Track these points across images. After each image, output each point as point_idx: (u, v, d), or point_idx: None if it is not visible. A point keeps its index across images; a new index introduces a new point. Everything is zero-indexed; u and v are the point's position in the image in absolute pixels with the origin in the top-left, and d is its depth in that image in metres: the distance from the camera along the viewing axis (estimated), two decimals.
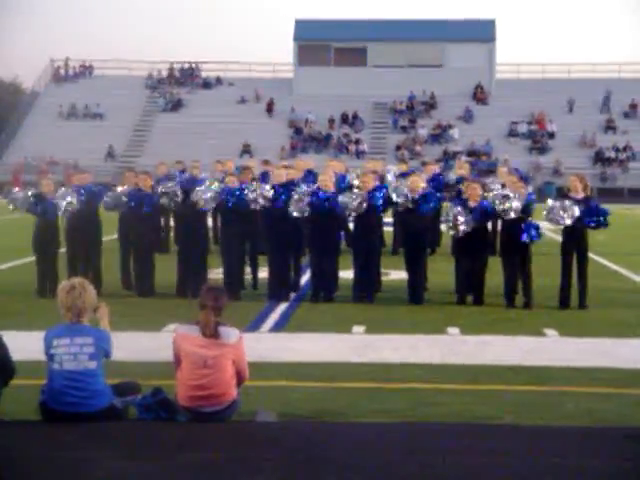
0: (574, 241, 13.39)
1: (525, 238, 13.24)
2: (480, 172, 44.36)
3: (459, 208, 13.43)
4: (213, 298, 7.12)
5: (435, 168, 19.42)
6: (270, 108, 58.44)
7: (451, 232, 13.54)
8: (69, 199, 14.05)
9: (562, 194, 14.15)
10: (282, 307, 13.51)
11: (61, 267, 14.52)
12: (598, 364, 9.97)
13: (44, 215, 14.10)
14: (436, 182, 17.51)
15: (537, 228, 13.30)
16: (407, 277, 14.05)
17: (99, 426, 6.90)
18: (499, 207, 13.33)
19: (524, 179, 15.99)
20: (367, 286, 13.98)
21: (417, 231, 13.82)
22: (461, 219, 13.31)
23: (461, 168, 18.80)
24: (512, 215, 13.26)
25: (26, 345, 9.17)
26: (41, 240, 14.33)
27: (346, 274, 14.74)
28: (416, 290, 13.84)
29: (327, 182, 14.06)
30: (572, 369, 9.74)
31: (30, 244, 14.50)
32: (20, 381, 7.55)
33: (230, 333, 7.18)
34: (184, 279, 14.17)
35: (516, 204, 13.26)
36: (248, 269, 15.10)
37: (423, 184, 14.45)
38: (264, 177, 16.50)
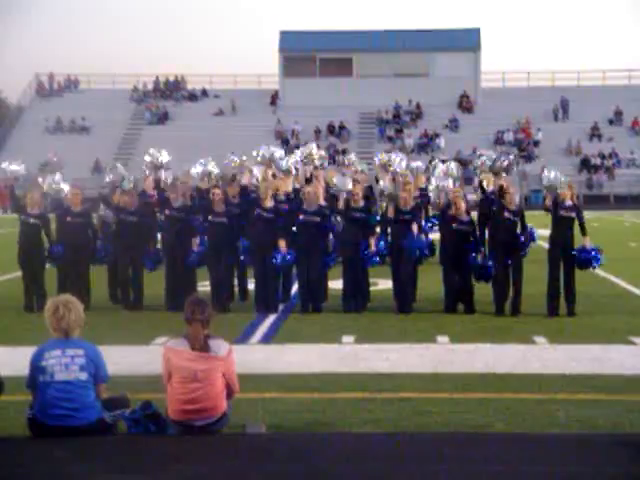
0: (561, 248, 13.41)
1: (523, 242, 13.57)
2: (467, 180, 44.36)
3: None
4: (200, 311, 7.08)
5: (423, 179, 19.37)
6: (274, 101, 58.58)
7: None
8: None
9: (554, 200, 14.15)
10: (271, 318, 13.48)
11: (52, 279, 14.46)
12: (588, 371, 9.97)
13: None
14: (422, 198, 17.37)
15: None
16: (394, 287, 14.02)
17: (89, 440, 6.85)
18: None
19: None
20: (356, 296, 13.95)
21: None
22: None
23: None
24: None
25: (13, 360, 9.13)
26: (26, 255, 14.27)
27: (335, 284, 14.72)
28: (405, 300, 13.82)
29: (314, 194, 14.05)
30: (562, 376, 9.73)
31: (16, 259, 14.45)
32: (7, 397, 7.50)
33: (220, 346, 7.14)
34: (173, 292, 14.10)
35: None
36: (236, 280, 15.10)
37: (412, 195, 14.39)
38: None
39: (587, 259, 13.53)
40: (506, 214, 13.53)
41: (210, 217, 14.05)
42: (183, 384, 7.03)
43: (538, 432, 7.51)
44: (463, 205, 13.88)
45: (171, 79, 63.19)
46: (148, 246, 14.49)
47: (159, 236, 14.96)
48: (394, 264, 13.97)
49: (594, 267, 13.75)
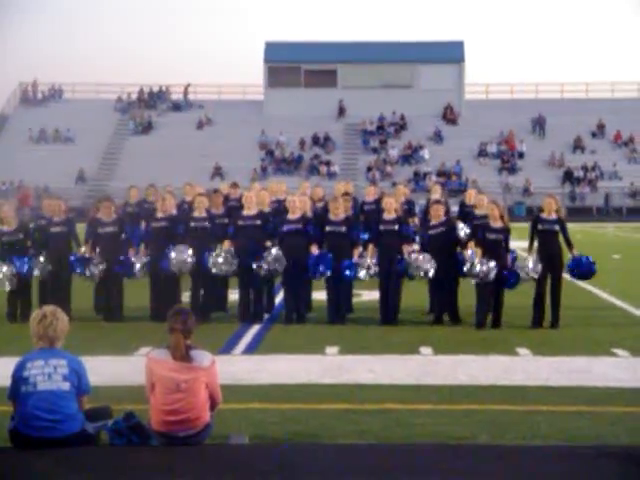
0: (549, 262, 13.43)
1: (508, 286, 13.44)
2: (450, 192, 44.56)
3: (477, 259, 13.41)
4: (181, 321, 7.06)
5: (406, 191, 19.36)
6: (342, 111, 58.50)
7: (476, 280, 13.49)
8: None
9: (534, 215, 14.23)
10: (255, 329, 13.45)
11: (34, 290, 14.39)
12: (572, 383, 9.99)
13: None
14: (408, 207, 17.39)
15: (517, 276, 13.43)
16: (380, 298, 14.01)
17: (71, 452, 6.80)
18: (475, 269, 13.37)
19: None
20: (340, 307, 13.94)
21: (392, 252, 13.82)
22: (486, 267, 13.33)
23: (435, 192, 18.17)
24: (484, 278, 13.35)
25: None
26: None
27: (319, 295, 14.72)
28: (389, 311, 13.82)
29: (296, 205, 14.03)
30: (546, 388, 9.75)
31: None
32: None
33: (203, 356, 7.11)
34: (157, 303, 14.02)
35: (487, 269, 13.29)
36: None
37: (397, 205, 14.40)
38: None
39: (585, 271, 13.72)
40: (492, 235, 13.54)
41: (192, 223, 14.07)
42: (166, 395, 7.00)
43: (521, 444, 7.51)
44: (441, 210, 13.97)
45: (155, 89, 63.15)
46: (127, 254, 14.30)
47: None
48: (381, 276, 13.95)
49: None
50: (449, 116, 59.20)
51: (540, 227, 13.57)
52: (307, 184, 18.47)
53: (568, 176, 53.28)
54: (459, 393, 9.50)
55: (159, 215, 14.33)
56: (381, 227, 13.90)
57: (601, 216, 50.09)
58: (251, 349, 12.06)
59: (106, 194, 16.54)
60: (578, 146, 56.24)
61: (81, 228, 14.83)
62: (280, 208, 14.95)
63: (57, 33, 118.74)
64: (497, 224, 13.54)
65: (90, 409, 7.24)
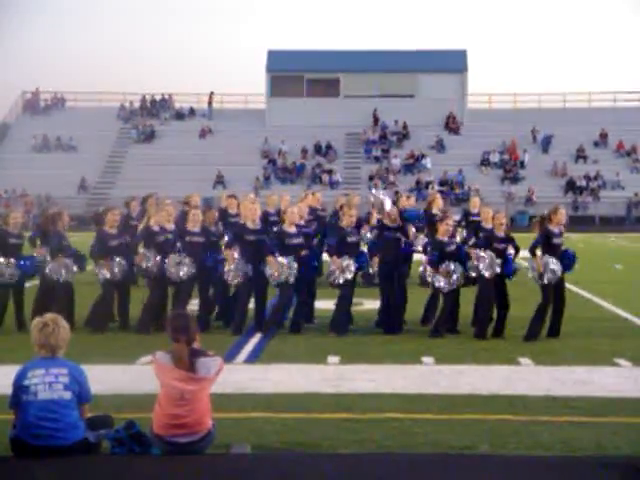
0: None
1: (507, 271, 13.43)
2: (453, 201, 44.62)
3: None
4: (183, 330, 7.04)
5: (412, 200, 19.40)
6: (376, 122, 58.63)
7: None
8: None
9: (545, 229, 13.96)
10: (256, 338, 13.44)
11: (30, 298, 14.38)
12: (573, 393, 9.99)
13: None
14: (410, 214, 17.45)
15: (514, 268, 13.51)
16: (381, 307, 14.03)
17: (72, 460, 6.81)
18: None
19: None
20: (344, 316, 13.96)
21: (395, 262, 13.86)
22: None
23: (436, 204, 17.98)
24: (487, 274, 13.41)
25: None
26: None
27: (321, 304, 14.73)
28: (395, 321, 13.85)
29: (293, 216, 13.99)
30: (547, 398, 9.75)
31: None
32: None
33: (208, 366, 7.07)
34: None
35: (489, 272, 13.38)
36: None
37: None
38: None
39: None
40: (498, 245, 13.60)
41: (187, 237, 14.05)
42: (169, 401, 7.00)
43: (522, 454, 7.51)
44: (452, 225, 14.09)
45: (158, 98, 63.20)
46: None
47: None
48: (383, 284, 13.98)
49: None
50: (451, 125, 59.20)
51: (553, 241, 13.46)
52: (308, 195, 18.42)
53: (570, 185, 53.24)
54: (460, 403, 9.50)
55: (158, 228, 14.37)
56: (385, 233, 13.97)
57: (628, 226, 49.88)
58: (253, 358, 12.06)
59: (109, 206, 16.37)
60: (580, 155, 56.21)
61: (81, 237, 14.84)
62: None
63: (57, 40, 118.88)
64: (502, 232, 13.62)
65: (91, 418, 7.24)
